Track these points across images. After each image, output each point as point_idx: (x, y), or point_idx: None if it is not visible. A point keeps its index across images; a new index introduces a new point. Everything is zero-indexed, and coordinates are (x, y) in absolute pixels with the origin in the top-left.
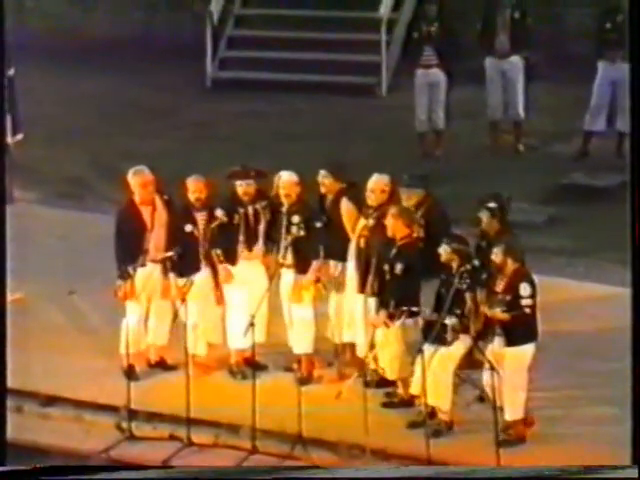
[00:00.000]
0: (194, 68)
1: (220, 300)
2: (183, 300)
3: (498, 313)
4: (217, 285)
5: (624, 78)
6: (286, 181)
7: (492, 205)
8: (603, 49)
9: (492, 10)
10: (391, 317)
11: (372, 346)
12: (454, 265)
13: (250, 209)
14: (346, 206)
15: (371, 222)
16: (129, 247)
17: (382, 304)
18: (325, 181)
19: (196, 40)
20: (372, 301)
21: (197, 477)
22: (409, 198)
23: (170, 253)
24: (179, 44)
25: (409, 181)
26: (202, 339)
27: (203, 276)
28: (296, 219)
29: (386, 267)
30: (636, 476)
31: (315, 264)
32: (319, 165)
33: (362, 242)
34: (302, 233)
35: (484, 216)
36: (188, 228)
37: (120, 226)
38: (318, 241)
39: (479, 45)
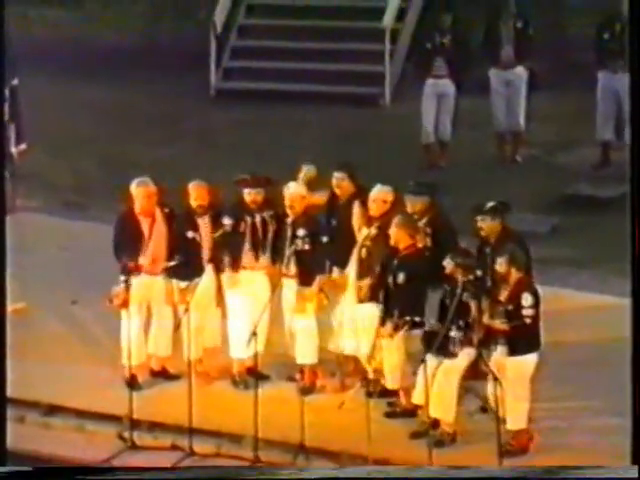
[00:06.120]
0: (198, 78)
1: (220, 303)
2: (187, 309)
3: (497, 323)
4: (219, 290)
5: (626, 88)
6: (292, 193)
7: (488, 208)
8: (603, 60)
9: (496, 21)
10: (395, 328)
11: (373, 356)
12: (458, 277)
13: (258, 218)
14: (359, 210)
15: (373, 232)
16: (124, 255)
17: (387, 314)
18: (342, 183)
19: (200, 50)
20: (373, 309)
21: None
22: (414, 205)
23: (172, 263)
24: (183, 54)
25: (415, 188)
26: (198, 343)
27: (205, 281)
28: (301, 232)
29: (390, 278)
30: (636, 476)
31: (319, 278)
32: (323, 174)
33: (364, 252)
34: (307, 247)
35: (482, 222)
36: (190, 234)
37: (117, 233)
38: (323, 255)
39: (483, 56)
